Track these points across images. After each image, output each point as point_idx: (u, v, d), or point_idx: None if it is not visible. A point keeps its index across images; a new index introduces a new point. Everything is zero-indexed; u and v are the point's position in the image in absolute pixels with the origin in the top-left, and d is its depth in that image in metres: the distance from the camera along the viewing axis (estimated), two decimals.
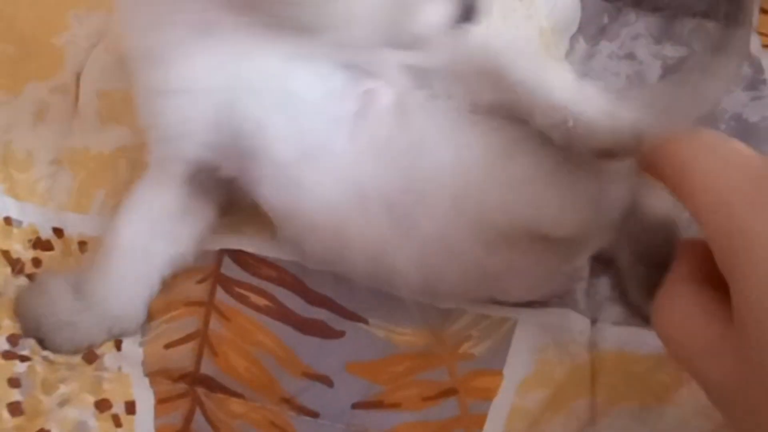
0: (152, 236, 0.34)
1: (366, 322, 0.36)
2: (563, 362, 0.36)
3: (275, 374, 0.34)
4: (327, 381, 0.35)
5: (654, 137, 0.27)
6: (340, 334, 0.36)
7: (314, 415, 0.34)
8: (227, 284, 0.36)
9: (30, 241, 0.38)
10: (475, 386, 0.35)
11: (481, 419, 0.34)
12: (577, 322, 0.37)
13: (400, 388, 0.35)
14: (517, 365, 0.36)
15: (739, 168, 0.23)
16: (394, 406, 0.35)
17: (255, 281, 0.36)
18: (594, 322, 0.37)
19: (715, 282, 0.24)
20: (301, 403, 0.34)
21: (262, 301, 0.35)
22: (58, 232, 0.38)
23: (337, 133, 0.32)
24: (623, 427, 0.35)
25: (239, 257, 0.36)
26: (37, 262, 0.38)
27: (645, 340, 0.36)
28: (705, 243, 0.24)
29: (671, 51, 0.44)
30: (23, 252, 0.38)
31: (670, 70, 0.43)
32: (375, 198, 0.31)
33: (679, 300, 0.25)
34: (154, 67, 0.31)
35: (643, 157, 0.27)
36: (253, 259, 0.36)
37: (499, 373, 0.35)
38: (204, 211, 0.35)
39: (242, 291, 0.36)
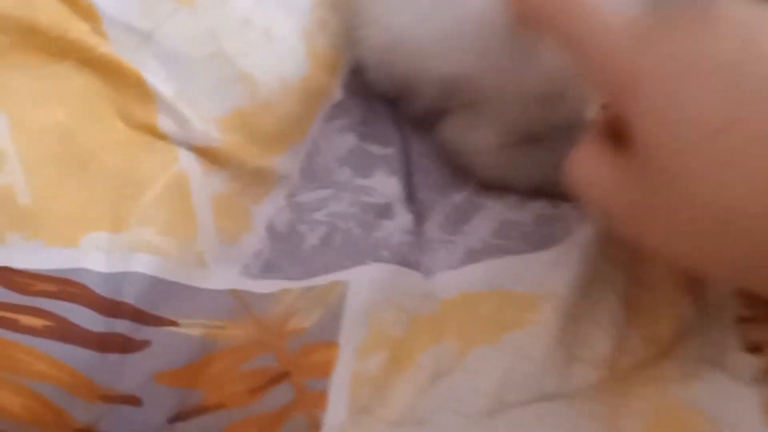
0: None
1: (175, 323, 0.28)
2: (400, 320, 0.30)
3: (64, 405, 0.25)
4: (133, 400, 0.26)
5: None
6: (143, 345, 0.27)
7: None
8: None
9: None
10: (310, 363, 0.28)
11: (322, 397, 0.27)
12: (409, 278, 0.31)
13: (223, 386, 0.27)
14: (353, 330, 0.29)
15: (623, 23, 0.23)
16: (219, 406, 0.27)
17: (26, 300, 0.26)
18: (430, 273, 0.32)
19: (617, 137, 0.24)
20: (101, 430, 0.26)
21: (37, 322, 0.26)
22: None
23: None
24: (479, 369, 0.29)
25: (2, 275, 0.26)
26: None
27: (483, 275, 0.31)
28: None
29: None
30: None
31: None
32: None
33: (586, 155, 0.26)
34: None
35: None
36: (22, 275, 0.26)
37: (334, 344, 0.28)
38: None
39: (8, 314, 0.26)
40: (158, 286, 0.28)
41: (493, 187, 0.35)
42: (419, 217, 0.34)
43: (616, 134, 0.24)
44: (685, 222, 0.22)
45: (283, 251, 0.32)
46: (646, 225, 0.24)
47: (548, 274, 0.31)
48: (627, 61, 0.23)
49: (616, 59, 0.23)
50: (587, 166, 0.25)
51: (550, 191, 0.34)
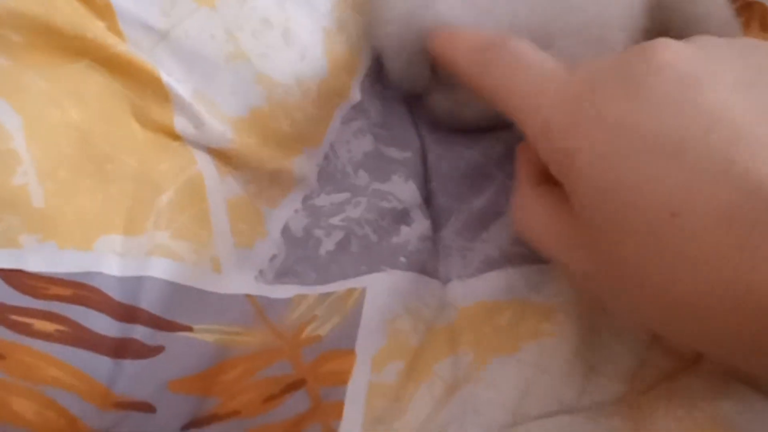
0: None
1: (190, 329, 0.28)
2: (417, 328, 0.29)
3: (77, 412, 0.25)
4: (147, 407, 0.26)
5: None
6: (157, 351, 0.27)
7: None
8: None
9: None
10: (326, 371, 0.27)
11: (338, 406, 0.26)
12: (427, 286, 0.31)
13: (238, 394, 0.26)
14: (370, 339, 0.28)
15: (555, 90, 0.22)
16: (233, 414, 0.26)
17: (40, 304, 0.25)
18: (447, 281, 0.32)
19: (554, 178, 0.23)
20: None
21: (51, 327, 0.25)
22: None
23: None
24: (497, 380, 0.29)
25: (15, 278, 0.25)
26: None
27: (501, 284, 0.31)
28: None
29: None
30: None
31: None
32: None
33: (530, 204, 0.25)
34: None
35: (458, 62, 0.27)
36: (35, 279, 0.26)
37: (350, 352, 0.28)
38: None
39: (21, 318, 0.25)
40: (173, 290, 0.27)
41: None
42: (436, 223, 0.34)
43: (548, 176, 0.23)
44: (638, 302, 0.21)
45: (298, 256, 0.31)
46: (602, 292, 0.23)
47: (567, 283, 0.30)
48: (561, 139, 0.21)
49: (551, 137, 0.22)
50: (536, 220, 0.24)
51: None
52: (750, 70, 0.20)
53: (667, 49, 0.20)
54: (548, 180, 0.24)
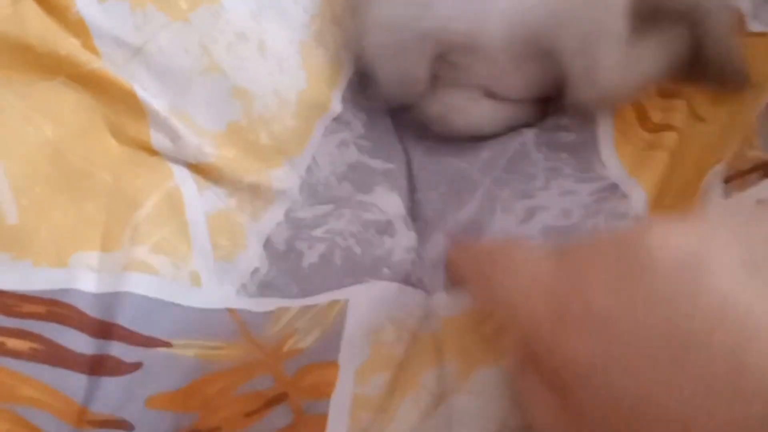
0: None
1: (169, 344, 0.27)
2: (401, 338, 0.29)
3: (51, 431, 0.24)
4: (125, 426, 0.25)
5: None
6: (135, 367, 0.26)
7: None
8: None
9: None
10: (308, 384, 0.27)
11: (321, 419, 0.26)
12: (411, 296, 0.31)
13: (218, 409, 0.26)
14: (353, 350, 0.28)
15: (542, 296, 0.21)
16: (214, 430, 0.25)
17: (13, 322, 0.25)
18: (433, 291, 0.31)
19: None
20: None
21: (24, 345, 0.25)
22: None
23: None
24: (483, 390, 0.29)
25: None
26: None
27: None
28: None
29: None
30: None
31: None
32: None
33: (529, 389, 0.23)
34: None
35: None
36: (7, 297, 0.25)
37: (334, 364, 0.27)
38: None
39: None
40: (151, 306, 0.27)
41: None
42: (422, 234, 0.33)
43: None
44: None
45: (281, 269, 0.31)
46: None
47: None
48: (553, 344, 0.20)
49: (544, 344, 0.20)
50: (537, 407, 0.22)
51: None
52: (753, 248, 0.18)
53: (657, 232, 0.18)
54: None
